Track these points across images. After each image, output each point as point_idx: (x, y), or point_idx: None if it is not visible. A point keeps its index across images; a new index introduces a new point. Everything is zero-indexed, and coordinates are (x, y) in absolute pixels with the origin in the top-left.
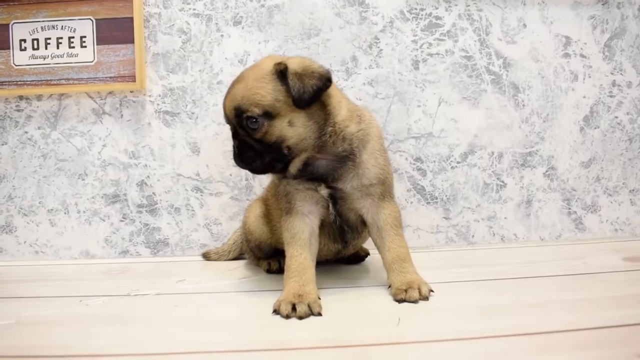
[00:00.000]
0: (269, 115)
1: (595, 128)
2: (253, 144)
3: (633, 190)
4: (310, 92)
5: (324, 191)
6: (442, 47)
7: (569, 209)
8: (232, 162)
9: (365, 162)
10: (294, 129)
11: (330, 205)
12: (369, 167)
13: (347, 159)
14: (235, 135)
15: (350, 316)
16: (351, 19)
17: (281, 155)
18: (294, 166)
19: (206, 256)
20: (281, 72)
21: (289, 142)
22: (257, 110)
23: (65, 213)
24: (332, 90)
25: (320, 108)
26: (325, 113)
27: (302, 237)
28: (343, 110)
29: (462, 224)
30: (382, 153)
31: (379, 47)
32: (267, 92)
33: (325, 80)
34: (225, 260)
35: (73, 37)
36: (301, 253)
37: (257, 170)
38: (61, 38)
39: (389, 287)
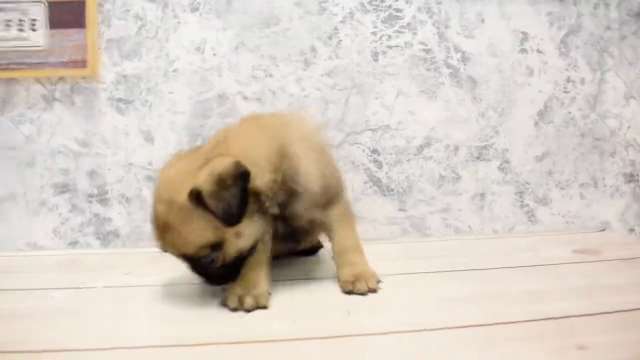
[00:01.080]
0: (218, 246)
1: (549, 123)
2: (218, 270)
3: (583, 184)
4: (236, 202)
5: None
6: (402, 40)
7: (522, 201)
8: None
9: (305, 191)
10: (246, 235)
11: (280, 223)
12: (309, 194)
13: (291, 191)
14: (194, 268)
15: (299, 309)
16: (311, 9)
17: (243, 263)
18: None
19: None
20: (197, 199)
21: (248, 247)
22: (205, 251)
23: (12, 202)
24: (254, 172)
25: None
26: (259, 199)
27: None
28: (267, 175)
29: (417, 216)
30: (319, 167)
31: (338, 38)
32: (204, 229)
33: (243, 177)
34: None
35: (23, 20)
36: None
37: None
38: (10, 20)
39: (339, 280)
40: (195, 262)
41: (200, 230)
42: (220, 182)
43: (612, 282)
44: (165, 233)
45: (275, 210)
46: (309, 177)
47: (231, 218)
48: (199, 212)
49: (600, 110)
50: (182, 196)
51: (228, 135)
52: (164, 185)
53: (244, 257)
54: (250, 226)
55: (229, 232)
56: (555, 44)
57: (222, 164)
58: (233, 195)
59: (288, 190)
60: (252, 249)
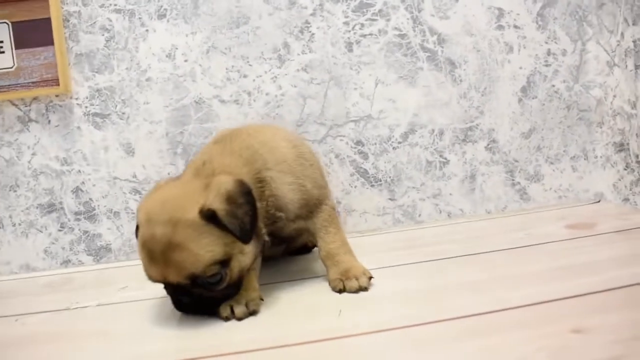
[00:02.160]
0: (226, 262)
1: (533, 98)
2: (214, 294)
3: (574, 157)
4: (249, 220)
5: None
6: (375, 27)
7: (513, 180)
8: (169, 161)
9: (287, 213)
10: (248, 252)
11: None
12: (291, 214)
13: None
14: (184, 294)
15: (291, 312)
16: (280, 4)
17: (240, 284)
18: None
19: None
20: (210, 217)
21: (248, 265)
22: (215, 268)
23: None
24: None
25: None
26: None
27: None
28: (282, 187)
29: (408, 204)
30: (298, 187)
31: (310, 32)
32: (215, 245)
33: (249, 194)
34: None
35: None
36: None
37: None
38: None
39: (329, 281)
40: (195, 285)
41: (211, 246)
42: (231, 200)
43: (606, 257)
44: (168, 255)
45: (265, 233)
46: (289, 202)
47: (246, 235)
48: (210, 228)
49: (584, 81)
50: (191, 214)
51: (211, 158)
52: (160, 208)
53: (243, 275)
54: (252, 244)
55: (235, 250)
56: (532, 18)
57: (228, 182)
58: (245, 212)
59: (272, 216)
60: (250, 267)
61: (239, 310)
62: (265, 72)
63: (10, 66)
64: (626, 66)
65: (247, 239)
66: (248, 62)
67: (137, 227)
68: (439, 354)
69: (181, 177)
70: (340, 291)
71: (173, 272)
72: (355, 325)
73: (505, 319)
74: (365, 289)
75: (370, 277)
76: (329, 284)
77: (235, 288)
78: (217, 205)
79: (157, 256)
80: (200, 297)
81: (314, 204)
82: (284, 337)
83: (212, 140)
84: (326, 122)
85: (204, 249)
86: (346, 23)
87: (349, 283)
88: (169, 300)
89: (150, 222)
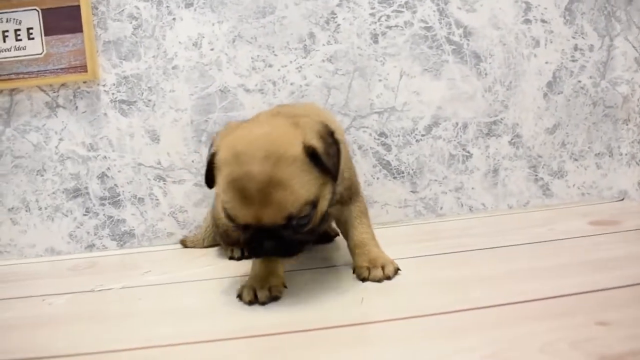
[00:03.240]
0: (315, 204)
1: (558, 93)
2: (299, 237)
3: (598, 154)
4: (337, 159)
5: None
6: (401, 19)
7: (536, 175)
8: (193, 148)
9: (343, 181)
10: (327, 198)
11: None
12: (338, 185)
13: None
14: (269, 237)
15: (314, 298)
16: None
17: (315, 236)
18: None
19: (183, 243)
20: (312, 155)
21: (322, 214)
22: (308, 209)
23: (26, 211)
24: None
25: None
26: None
27: None
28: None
29: (429, 197)
30: (346, 162)
31: (336, 22)
32: (311, 185)
33: (333, 135)
34: (201, 247)
35: (19, 30)
36: None
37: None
38: (7, 31)
39: (353, 271)
40: (287, 226)
41: (309, 185)
42: (323, 139)
43: (632, 253)
44: (267, 193)
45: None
46: (344, 179)
47: (337, 174)
48: (310, 166)
49: (611, 77)
50: (294, 150)
51: (283, 110)
52: (254, 144)
53: (323, 222)
54: (331, 192)
55: (323, 191)
56: (560, 12)
57: (316, 123)
58: (335, 151)
59: None
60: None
61: (262, 294)
62: (291, 62)
63: (40, 52)
64: None
65: (337, 178)
66: (273, 51)
67: (210, 168)
68: (462, 342)
69: (258, 116)
70: (364, 279)
71: (271, 212)
72: (377, 313)
73: (527, 310)
74: (389, 277)
75: (397, 269)
76: (355, 271)
77: (314, 233)
78: (317, 143)
79: (253, 195)
80: (285, 240)
81: (354, 191)
82: (306, 322)
83: (268, 113)
84: (350, 113)
85: (304, 187)
86: (372, 14)
87: (375, 272)
88: (193, 285)
89: (243, 158)
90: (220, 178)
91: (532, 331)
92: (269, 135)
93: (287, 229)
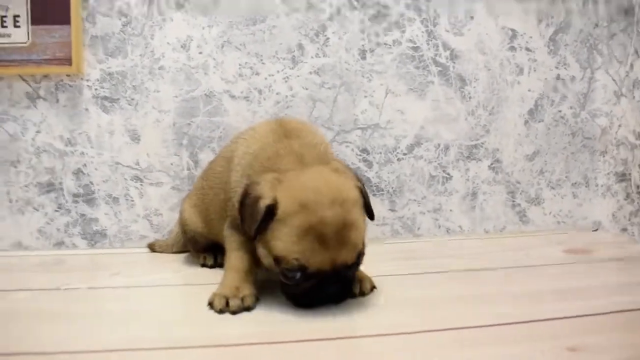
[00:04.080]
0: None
1: (539, 121)
2: (350, 277)
3: (575, 183)
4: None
5: None
6: (390, 38)
7: (513, 201)
8: (173, 151)
9: None
10: None
11: None
12: None
13: None
14: (334, 281)
15: (287, 311)
16: (298, 5)
17: None
18: None
19: (151, 247)
20: (362, 195)
21: None
22: (363, 249)
23: None
24: None
25: None
26: None
27: (247, 243)
28: None
29: (407, 216)
30: None
31: (325, 36)
32: (364, 222)
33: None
34: (170, 253)
35: (5, 17)
36: (244, 254)
37: None
38: None
39: None
40: (351, 267)
41: (364, 223)
42: (361, 182)
43: (604, 283)
44: (343, 235)
45: None
46: None
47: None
48: (361, 206)
49: (591, 109)
50: (354, 193)
51: (302, 151)
52: (318, 192)
53: None
54: None
55: None
56: (545, 42)
57: (347, 168)
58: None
59: None
60: None
61: (234, 303)
62: (278, 72)
63: (24, 41)
64: (633, 97)
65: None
66: (261, 60)
67: (264, 220)
68: None
69: (282, 166)
70: None
71: (346, 252)
72: (350, 328)
73: (502, 332)
74: (364, 294)
75: (373, 287)
76: None
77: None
78: (360, 185)
79: (331, 238)
80: (348, 281)
81: None
82: (279, 333)
83: (274, 138)
84: (334, 127)
85: (363, 225)
86: (362, 30)
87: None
88: (162, 290)
89: (311, 206)
90: (288, 230)
91: (503, 354)
92: (327, 183)
93: (350, 269)
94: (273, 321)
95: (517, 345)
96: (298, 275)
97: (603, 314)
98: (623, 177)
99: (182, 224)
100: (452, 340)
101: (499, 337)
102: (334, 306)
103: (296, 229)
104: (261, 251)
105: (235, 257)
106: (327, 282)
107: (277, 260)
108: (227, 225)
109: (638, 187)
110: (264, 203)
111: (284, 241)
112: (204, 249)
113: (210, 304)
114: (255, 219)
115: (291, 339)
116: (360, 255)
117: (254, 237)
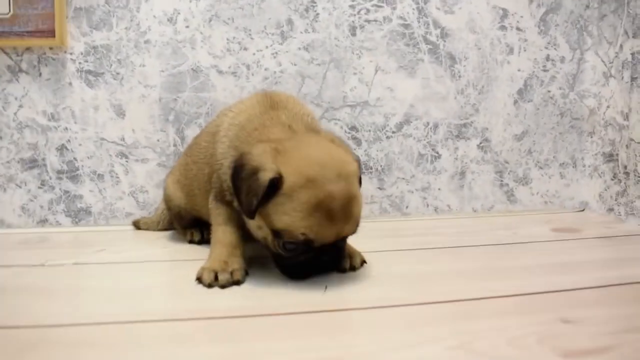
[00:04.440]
0: None
1: (528, 101)
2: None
3: (563, 163)
4: None
5: None
6: (380, 14)
7: (502, 180)
8: (160, 127)
9: None
10: None
11: None
12: None
13: None
14: (329, 250)
15: (276, 285)
16: None
17: None
18: None
19: (136, 225)
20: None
21: None
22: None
23: None
24: None
25: None
26: None
27: (233, 217)
28: None
29: (396, 195)
30: None
31: (315, 11)
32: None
33: None
34: (155, 230)
35: None
36: (231, 228)
37: None
38: None
39: None
40: (344, 238)
41: (362, 197)
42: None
43: (592, 259)
44: (349, 209)
45: None
46: None
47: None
48: None
49: (580, 90)
50: (354, 167)
51: (290, 121)
52: (322, 167)
53: None
54: None
55: None
56: (535, 22)
57: (342, 141)
58: None
59: None
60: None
61: (223, 277)
62: (267, 47)
63: (6, 12)
64: (622, 78)
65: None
66: (250, 35)
67: (266, 194)
68: (426, 333)
69: (271, 136)
70: None
71: (350, 225)
72: (341, 301)
73: (494, 305)
74: (354, 268)
75: (364, 261)
76: None
77: None
78: (356, 157)
79: (337, 212)
80: (341, 251)
81: None
82: (267, 307)
83: (261, 110)
84: (322, 103)
85: (361, 197)
86: (352, 6)
87: (342, 262)
88: (148, 264)
89: (319, 181)
90: (295, 205)
91: (498, 326)
92: (328, 156)
93: (344, 240)
94: (262, 295)
95: (510, 317)
96: (299, 248)
97: (594, 287)
98: (610, 157)
99: (167, 200)
100: (443, 312)
101: (491, 310)
102: (324, 278)
103: (304, 204)
104: (255, 224)
105: (223, 232)
106: (324, 253)
107: (278, 233)
108: (211, 198)
109: (625, 167)
110: (266, 176)
111: (291, 216)
112: (189, 225)
113: (199, 279)
114: (255, 193)
115: (281, 311)
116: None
117: (253, 211)
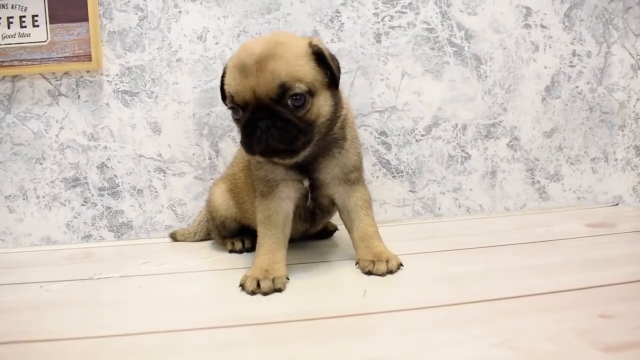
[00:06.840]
0: (311, 93)
1: (556, 98)
2: (295, 121)
3: (594, 158)
4: (340, 72)
5: (306, 182)
6: (404, 20)
7: (533, 178)
8: (195, 141)
9: (348, 150)
10: (326, 107)
11: (309, 194)
12: (350, 155)
13: (333, 146)
14: (265, 116)
15: (316, 290)
16: None
17: (312, 136)
18: (307, 150)
19: (173, 236)
20: (315, 53)
21: (321, 120)
22: (303, 87)
23: (23, 199)
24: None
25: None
26: (337, 95)
27: (277, 219)
28: (344, 93)
29: (428, 197)
30: (357, 139)
31: (340, 21)
32: (308, 71)
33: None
34: (192, 241)
35: (24, 16)
36: (275, 233)
37: (289, 150)
38: (12, 17)
39: (357, 263)
40: (281, 100)
41: (307, 69)
42: (330, 52)
43: (628, 253)
44: (263, 64)
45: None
46: (351, 145)
47: (337, 80)
48: (312, 61)
49: (608, 84)
50: (300, 43)
51: None
52: (267, 39)
53: (314, 127)
54: (331, 105)
55: (320, 92)
56: (559, 18)
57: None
58: (338, 66)
59: (340, 137)
60: (319, 127)
61: (266, 284)
62: None
63: (44, 40)
64: None
65: (336, 84)
66: None
67: (224, 73)
68: (470, 332)
69: None
70: (368, 272)
71: (265, 81)
72: (381, 304)
73: (532, 302)
74: (392, 272)
75: (400, 264)
76: (358, 264)
77: (307, 133)
78: (323, 47)
79: (251, 67)
80: (285, 120)
81: (357, 176)
82: (310, 312)
83: None
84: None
85: (299, 66)
86: (376, 14)
87: (379, 265)
88: (192, 275)
89: (247, 46)
90: (226, 71)
91: (538, 322)
92: (281, 35)
93: (281, 105)
94: (304, 300)
95: (549, 314)
96: (235, 111)
97: (632, 282)
98: None
99: (212, 210)
100: (482, 311)
101: (529, 307)
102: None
103: (229, 65)
104: None
105: (266, 236)
106: (257, 116)
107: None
108: (256, 197)
109: None
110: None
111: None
112: (232, 235)
113: (242, 286)
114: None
115: (323, 315)
116: (286, 91)
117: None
